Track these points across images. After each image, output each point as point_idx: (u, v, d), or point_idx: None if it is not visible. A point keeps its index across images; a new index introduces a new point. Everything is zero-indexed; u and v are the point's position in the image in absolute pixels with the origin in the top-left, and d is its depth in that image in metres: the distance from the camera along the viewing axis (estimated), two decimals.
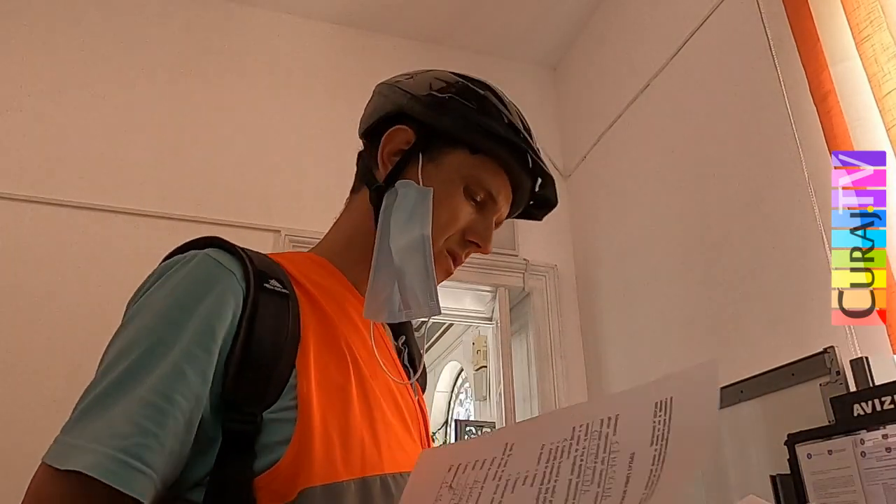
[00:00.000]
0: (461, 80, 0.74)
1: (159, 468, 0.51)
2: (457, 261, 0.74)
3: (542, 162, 0.76)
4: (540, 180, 0.78)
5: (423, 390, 0.80)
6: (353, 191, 0.78)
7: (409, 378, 0.74)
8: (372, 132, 0.75)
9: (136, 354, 0.54)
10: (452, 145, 0.71)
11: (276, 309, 0.59)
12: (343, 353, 0.63)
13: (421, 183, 0.70)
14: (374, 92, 0.78)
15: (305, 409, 0.56)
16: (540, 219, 0.86)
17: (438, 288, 0.69)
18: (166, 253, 0.65)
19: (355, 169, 0.79)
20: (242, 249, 0.63)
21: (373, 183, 0.72)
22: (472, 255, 0.77)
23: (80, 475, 0.48)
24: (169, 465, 0.52)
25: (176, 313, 0.56)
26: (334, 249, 0.75)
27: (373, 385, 0.64)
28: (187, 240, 0.65)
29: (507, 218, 0.80)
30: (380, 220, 0.69)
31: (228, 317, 0.57)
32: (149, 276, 0.61)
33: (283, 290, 0.61)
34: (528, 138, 0.74)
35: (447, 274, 0.74)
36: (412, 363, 0.78)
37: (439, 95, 0.71)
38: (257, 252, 0.65)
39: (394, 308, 0.68)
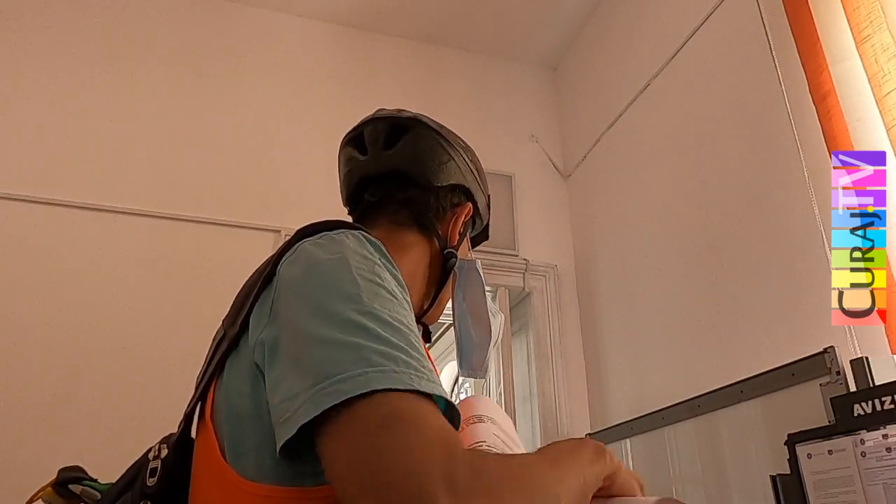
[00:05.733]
0: (481, 166, 0.90)
1: None
2: None
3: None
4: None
5: None
6: (397, 221, 0.81)
7: None
8: (437, 187, 0.82)
9: (394, 308, 0.53)
10: (468, 230, 0.88)
11: None
12: None
13: (471, 256, 0.88)
14: (439, 137, 0.83)
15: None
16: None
17: None
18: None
19: (389, 192, 0.82)
20: None
21: (441, 243, 0.83)
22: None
23: (428, 397, 0.47)
24: None
25: (389, 282, 0.57)
26: None
27: None
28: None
29: None
30: (459, 291, 0.85)
31: None
32: (306, 252, 0.59)
33: None
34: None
35: None
36: None
37: (482, 187, 0.88)
38: None
39: (479, 370, 0.87)
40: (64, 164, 2.09)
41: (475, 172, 0.87)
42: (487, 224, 0.93)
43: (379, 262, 0.58)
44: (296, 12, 2.60)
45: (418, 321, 0.83)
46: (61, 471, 0.67)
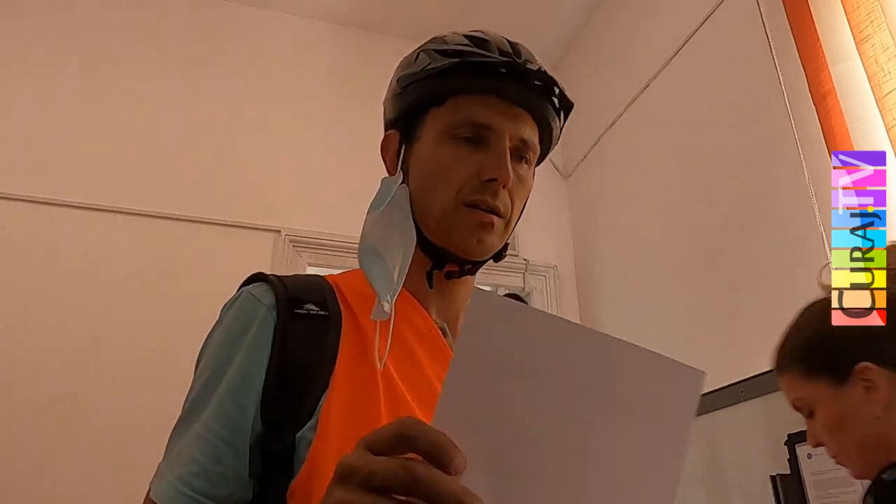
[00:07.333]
0: (410, 56, 0.73)
1: (205, 491, 0.56)
2: (483, 205, 0.67)
3: (504, 46, 0.68)
4: (528, 71, 0.68)
5: None
6: None
7: None
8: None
9: (197, 391, 0.61)
10: (422, 114, 0.70)
11: (309, 332, 0.62)
12: (374, 367, 0.61)
13: (399, 166, 0.72)
14: None
15: (324, 427, 0.58)
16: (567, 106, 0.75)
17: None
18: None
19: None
20: (279, 278, 0.65)
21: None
22: None
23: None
24: (221, 488, 0.57)
25: (225, 349, 0.62)
26: None
27: (406, 396, 0.61)
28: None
29: (558, 129, 0.73)
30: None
31: (266, 347, 0.61)
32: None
33: (321, 313, 0.63)
34: (479, 42, 0.68)
35: (483, 226, 0.66)
36: None
37: (395, 88, 0.73)
38: (307, 275, 0.69)
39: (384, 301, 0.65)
40: (63, 164, 2.09)
41: (396, 89, 0.73)
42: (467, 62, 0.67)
43: (246, 326, 0.62)
44: (296, 12, 2.60)
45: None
46: None
